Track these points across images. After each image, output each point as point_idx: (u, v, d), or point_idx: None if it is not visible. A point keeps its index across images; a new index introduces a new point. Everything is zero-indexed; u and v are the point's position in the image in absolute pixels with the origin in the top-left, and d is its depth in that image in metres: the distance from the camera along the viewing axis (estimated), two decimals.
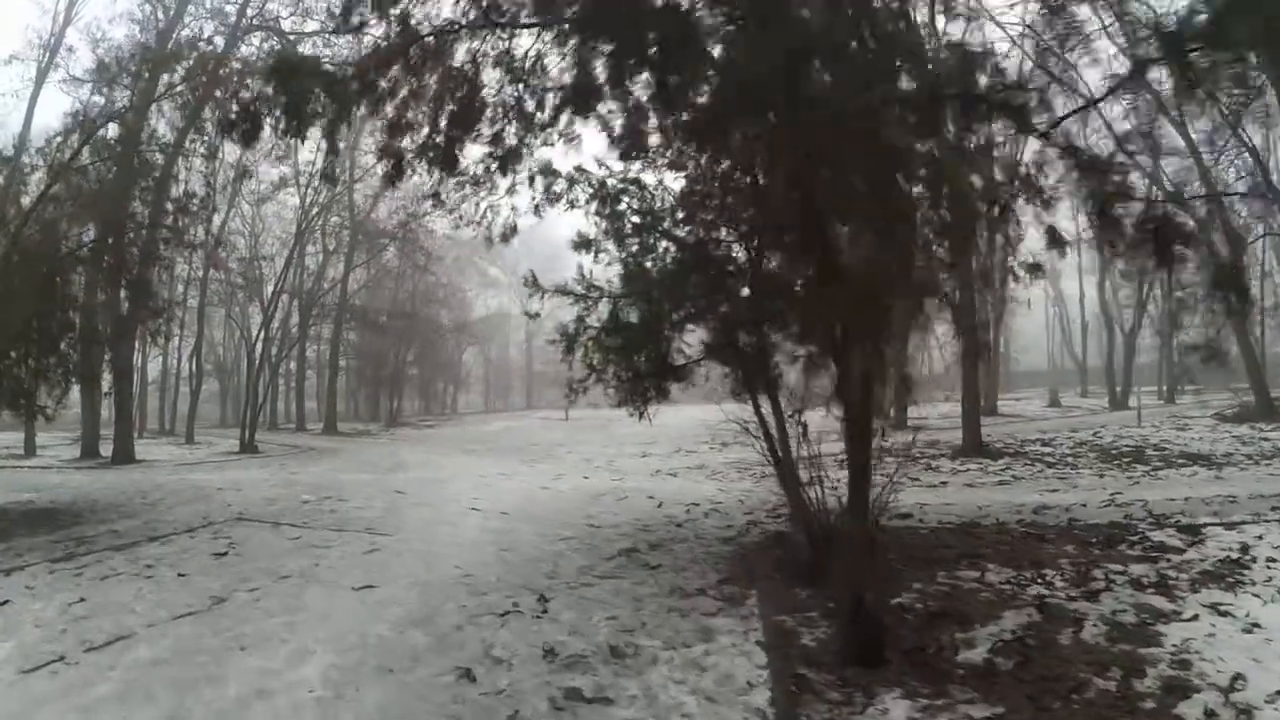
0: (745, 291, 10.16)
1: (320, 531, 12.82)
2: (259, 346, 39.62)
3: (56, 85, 31.06)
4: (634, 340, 11.12)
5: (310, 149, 42.13)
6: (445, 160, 8.90)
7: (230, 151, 30.98)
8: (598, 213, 11.37)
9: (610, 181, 11.18)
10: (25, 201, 17.92)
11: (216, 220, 35.40)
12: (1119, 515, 12.12)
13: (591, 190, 11.22)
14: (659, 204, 11.20)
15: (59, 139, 19.52)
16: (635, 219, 11.39)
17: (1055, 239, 6.93)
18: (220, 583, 9.47)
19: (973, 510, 12.62)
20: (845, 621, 6.45)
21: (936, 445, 23.38)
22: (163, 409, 50.63)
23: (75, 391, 21.10)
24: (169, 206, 20.16)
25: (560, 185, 11.06)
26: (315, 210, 42.65)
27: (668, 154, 9.96)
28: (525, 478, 20.73)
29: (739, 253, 10.26)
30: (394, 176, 9.26)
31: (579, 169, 11.00)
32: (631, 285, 11.29)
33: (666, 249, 11.19)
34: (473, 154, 9.40)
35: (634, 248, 11.48)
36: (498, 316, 77.04)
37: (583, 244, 11.56)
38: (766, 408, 10.29)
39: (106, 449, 29.30)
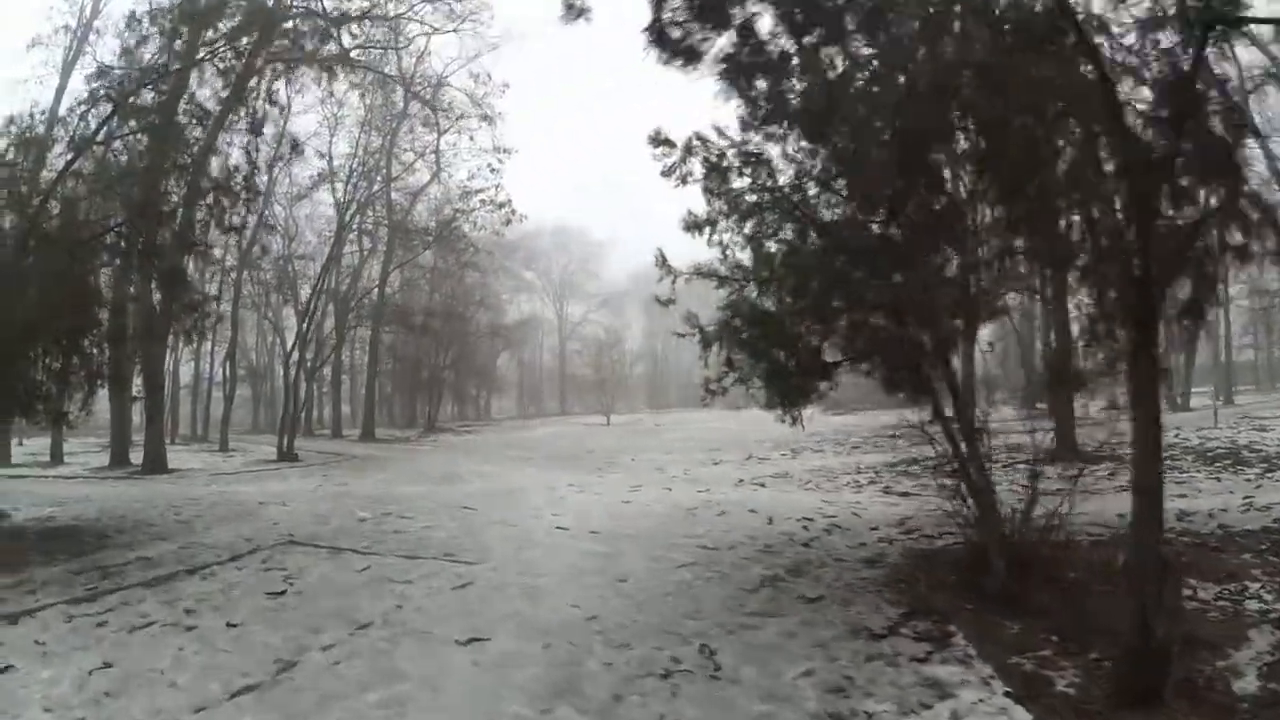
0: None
1: (391, 559, 10.77)
2: (296, 350, 37.65)
3: (84, 79, 29.21)
4: (782, 331, 9.84)
5: (347, 143, 41.16)
6: None
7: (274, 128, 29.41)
8: (714, 189, 10.24)
9: (730, 153, 10.05)
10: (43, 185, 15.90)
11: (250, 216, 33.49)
12: (1268, 520, 11.30)
13: (711, 162, 10.10)
14: (788, 179, 10.01)
15: (84, 108, 17.47)
16: (760, 195, 10.19)
17: None
18: (283, 637, 7.40)
19: (1113, 519, 10.75)
20: (1125, 659, 5.74)
21: (1021, 449, 21.47)
22: (195, 414, 48.91)
23: (103, 396, 19.06)
24: (205, 185, 17.97)
25: (674, 156, 10.12)
26: (353, 208, 41.13)
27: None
28: (600, 489, 18.93)
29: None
30: None
31: (698, 137, 10.03)
32: (786, 265, 9.96)
33: (804, 231, 9.98)
34: None
35: (759, 229, 10.39)
36: (531, 320, 75.45)
37: (695, 225, 10.41)
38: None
39: (137, 456, 27.56)
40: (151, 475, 24.81)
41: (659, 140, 10.12)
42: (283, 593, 8.99)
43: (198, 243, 17.48)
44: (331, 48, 30.82)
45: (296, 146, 29.75)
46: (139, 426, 29.73)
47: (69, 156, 16.15)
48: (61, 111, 21.35)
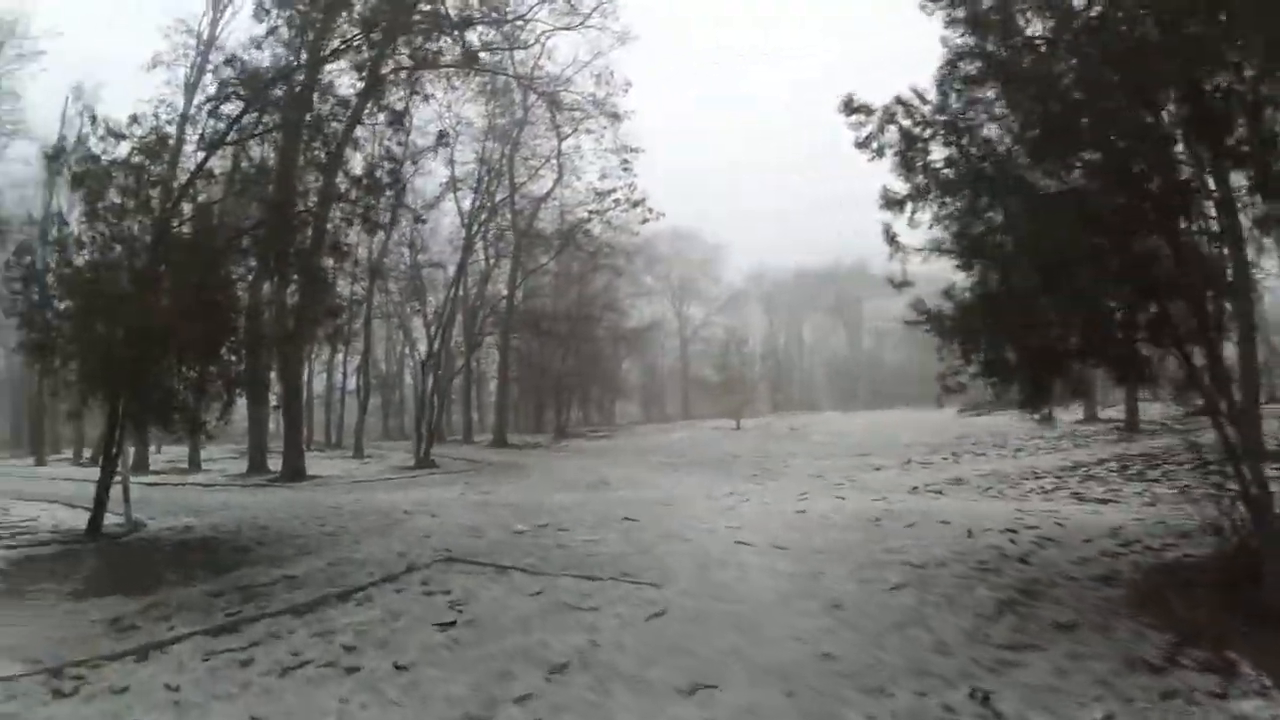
0: None
1: (564, 580, 9.34)
2: (430, 356, 36.99)
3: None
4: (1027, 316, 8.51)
5: (467, 152, 40.36)
6: None
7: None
8: (912, 163, 9.35)
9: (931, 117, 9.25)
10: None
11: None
12: None
13: (909, 132, 9.29)
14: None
15: (212, 104, 16.60)
16: (967, 166, 9.12)
17: None
18: (466, 684, 6.03)
19: None
20: None
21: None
22: (328, 422, 48.90)
23: (241, 403, 18.29)
24: (343, 181, 16.88)
25: (870, 126, 9.39)
26: (482, 216, 40.39)
27: None
28: (765, 498, 17.31)
29: None
30: None
31: (899, 100, 9.29)
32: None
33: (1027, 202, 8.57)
34: None
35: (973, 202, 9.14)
36: (652, 324, 74.03)
37: (894, 202, 9.50)
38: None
39: (274, 463, 27.11)
40: (290, 482, 24.26)
41: (853, 108, 9.30)
42: (453, 623, 7.62)
43: (340, 243, 16.39)
44: (452, 52, 29.84)
45: (444, 137, 28.90)
46: (273, 434, 29.21)
47: (200, 156, 15.32)
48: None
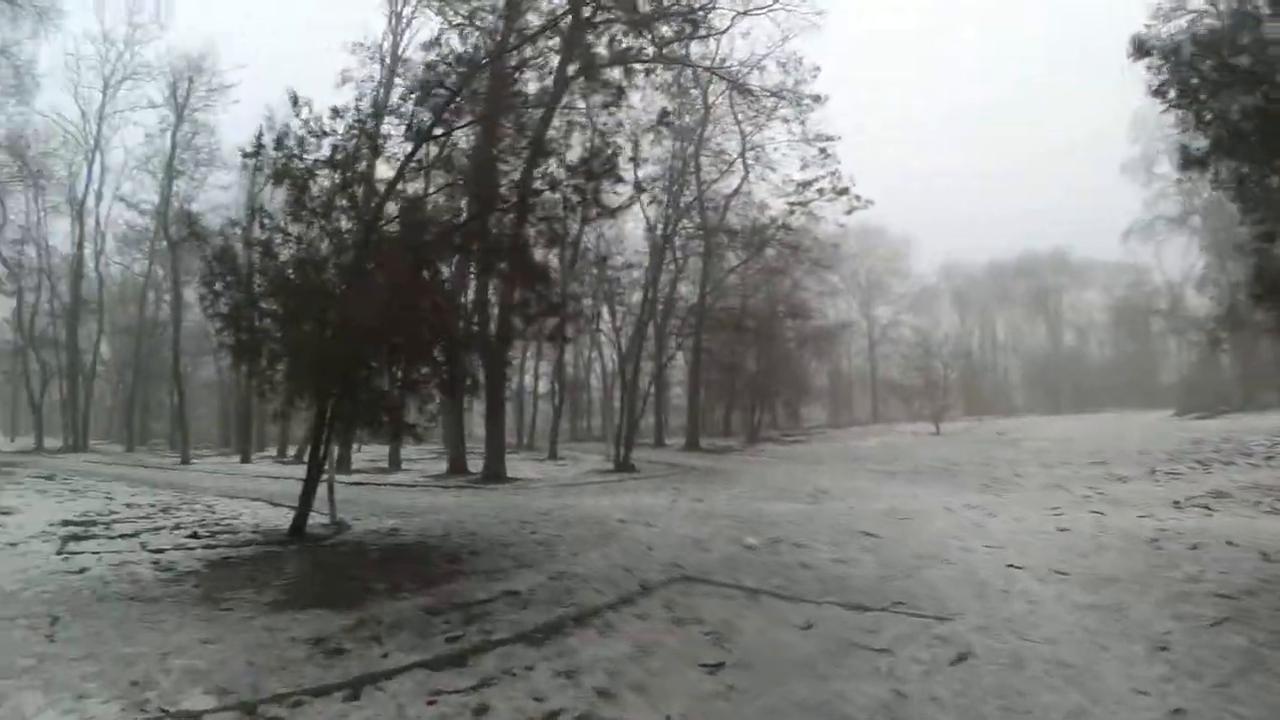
0: None
1: (830, 609, 7.91)
2: (627, 359, 36.30)
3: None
4: None
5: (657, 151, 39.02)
6: None
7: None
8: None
9: None
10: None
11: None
12: None
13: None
14: None
15: (416, 95, 15.75)
16: None
17: None
18: None
19: None
20: None
21: None
22: (520, 423, 48.70)
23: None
24: (556, 169, 15.68)
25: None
26: (670, 214, 39.10)
27: None
28: (1011, 512, 15.45)
29: None
30: None
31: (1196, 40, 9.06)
32: None
33: None
34: None
35: None
36: (845, 323, 71.17)
37: (1195, 161, 9.02)
38: None
39: (473, 464, 26.59)
40: (491, 484, 23.52)
41: (1144, 49, 8.59)
42: (720, 665, 6.20)
43: (560, 233, 15.22)
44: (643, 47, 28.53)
45: (666, 115, 27.71)
46: (468, 434, 28.70)
47: (406, 149, 14.44)
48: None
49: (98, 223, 47.83)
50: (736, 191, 42.68)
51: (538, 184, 14.36)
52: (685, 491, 20.51)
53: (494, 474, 24.66)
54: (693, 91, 38.85)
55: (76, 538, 12.43)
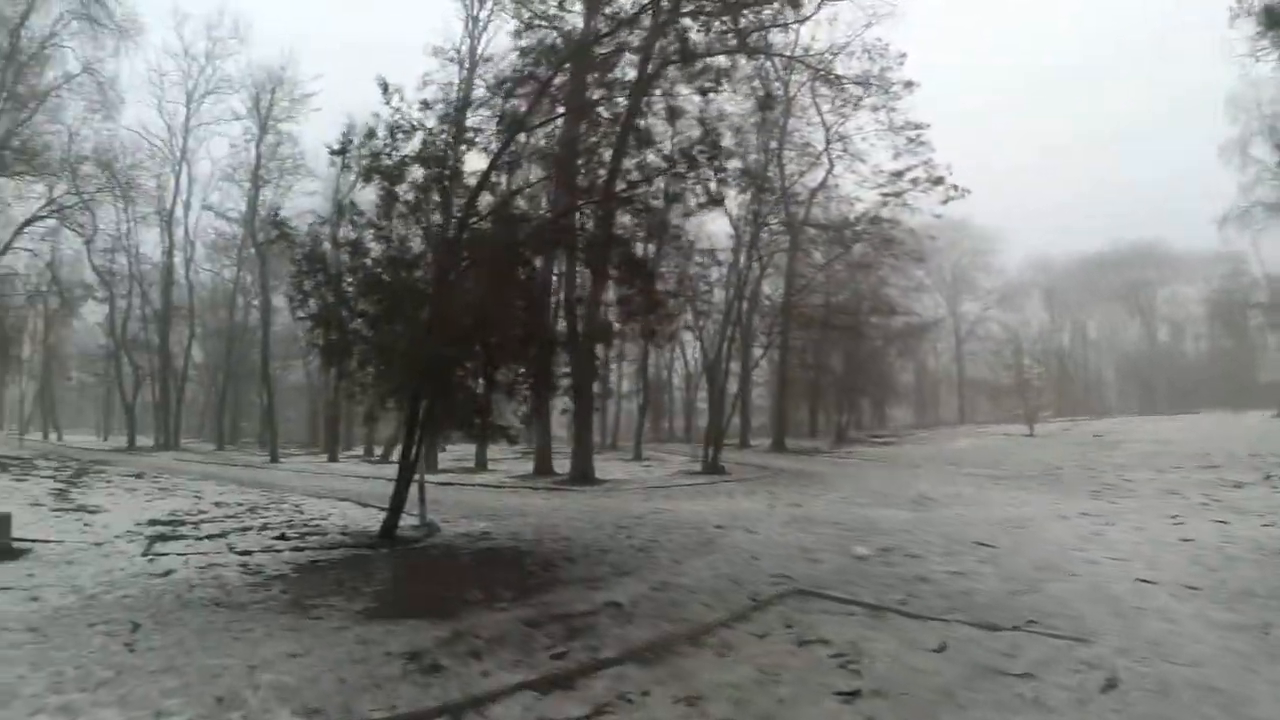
0: None
1: (959, 629, 7.23)
2: (715, 358, 35.64)
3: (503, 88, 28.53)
4: None
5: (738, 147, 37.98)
6: None
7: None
8: None
9: None
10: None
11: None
12: None
13: None
14: None
15: (508, 85, 15.25)
16: None
17: None
18: None
19: None
20: None
21: None
22: (603, 424, 48.31)
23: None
24: (655, 158, 15.01)
25: None
26: (754, 208, 38.01)
27: None
28: (1129, 520, 14.48)
29: None
30: None
31: None
32: None
33: None
34: None
35: None
36: (933, 321, 68.74)
37: None
38: None
39: (558, 465, 26.25)
40: (580, 486, 23.09)
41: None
42: (855, 693, 5.58)
43: (663, 227, 14.58)
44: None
45: (769, 99, 26.89)
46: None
47: (494, 147, 13.97)
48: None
49: (186, 232, 49.24)
50: (822, 185, 41.60)
51: (634, 175, 13.82)
52: (780, 495, 19.83)
53: (582, 475, 24.19)
54: (775, 84, 37.77)
55: (163, 538, 12.29)
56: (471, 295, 11.89)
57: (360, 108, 13.19)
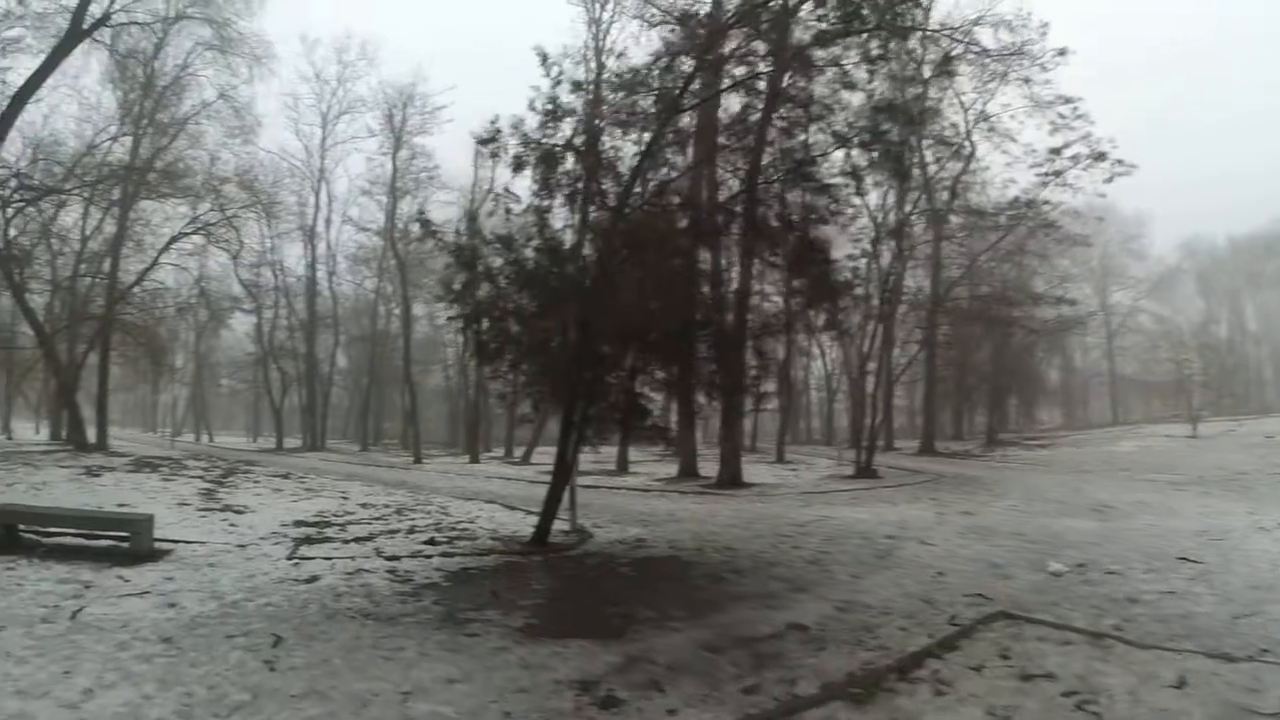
0: None
1: (1192, 660, 6.31)
2: (868, 357, 34.24)
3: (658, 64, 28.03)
4: None
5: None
6: None
7: None
8: None
9: None
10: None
11: None
12: None
13: None
14: None
15: (664, 61, 14.35)
16: None
17: None
18: None
19: None
20: None
21: None
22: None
23: None
24: (825, 134, 13.90)
25: None
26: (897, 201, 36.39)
27: None
28: None
29: None
30: None
31: None
32: None
33: None
34: None
35: None
36: (1088, 313, 63.44)
37: None
38: None
39: (701, 467, 25.44)
40: (728, 490, 22.09)
41: None
42: None
43: (844, 204, 13.39)
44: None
45: (948, 63, 25.52)
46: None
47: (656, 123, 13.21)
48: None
49: (328, 246, 51.15)
50: (965, 169, 39.23)
51: (800, 153, 12.82)
52: (946, 503, 18.50)
53: (730, 479, 23.21)
54: (910, 65, 35.75)
55: (309, 540, 12.03)
56: (630, 289, 11.19)
57: (500, 109, 12.68)
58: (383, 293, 53.79)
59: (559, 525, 12.55)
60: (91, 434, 29.96)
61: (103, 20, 21.25)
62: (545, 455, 35.22)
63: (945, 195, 39.52)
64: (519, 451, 39.64)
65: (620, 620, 7.49)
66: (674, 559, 11.06)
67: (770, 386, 14.41)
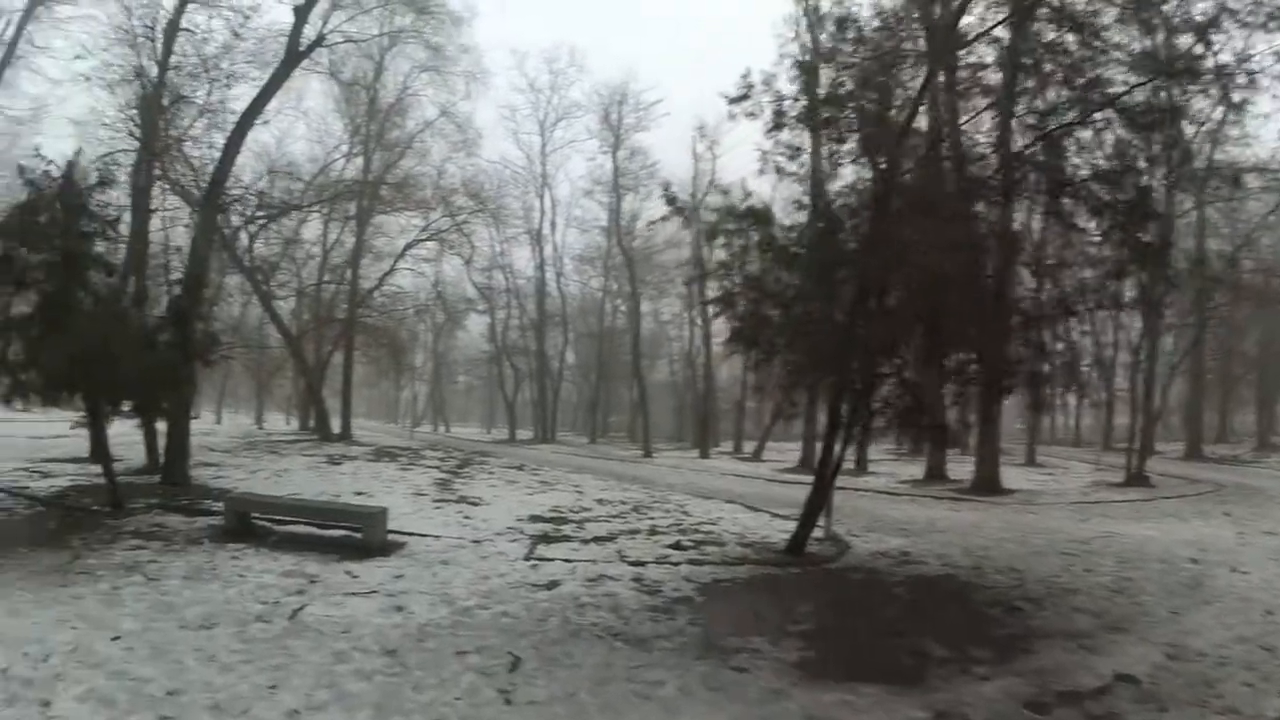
0: None
1: None
2: (1140, 345, 30.32)
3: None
4: None
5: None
6: None
7: None
8: None
9: None
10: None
11: None
12: None
13: None
14: None
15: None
16: None
17: None
18: None
19: None
20: None
21: None
22: None
23: None
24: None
25: None
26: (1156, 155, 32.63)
27: None
28: None
29: None
30: None
31: None
32: None
33: None
34: None
35: None
36: None
37: None
38: None
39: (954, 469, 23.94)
40: (985, 496, 20.36)
41: None
42: None
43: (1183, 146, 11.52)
44: None
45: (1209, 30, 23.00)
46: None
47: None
48: None
49: (555, 247, 52.35)
50: (1225, 120, 34.47)
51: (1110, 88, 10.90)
52: (1241, 518, 16.16)
53: (987, 483, 21.41)
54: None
55: (546, 538, 11.69)
56: (910, 261, 9.82)
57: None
58: (609, 290, 54.98)
59: (814, 533, 11.52)
60: (336, 425, 32.14)
61: (318, 42, 21.84)
62: (776, 452, 34.30)
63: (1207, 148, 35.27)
64: (748, 447, 38.99)
65: (912, 659, 6.52)
66: (950, 578, 9.94)
67: (1080, 376, 12.41)
